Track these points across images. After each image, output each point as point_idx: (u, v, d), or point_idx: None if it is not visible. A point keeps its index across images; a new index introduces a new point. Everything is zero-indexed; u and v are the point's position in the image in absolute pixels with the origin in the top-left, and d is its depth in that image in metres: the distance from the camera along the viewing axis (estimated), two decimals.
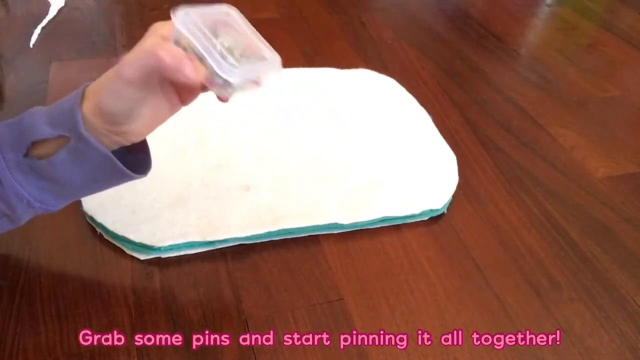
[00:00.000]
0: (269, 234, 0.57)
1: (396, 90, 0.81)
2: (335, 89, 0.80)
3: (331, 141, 0.69)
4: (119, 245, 0.55)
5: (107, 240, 0.55)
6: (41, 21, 0.91)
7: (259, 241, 0.57)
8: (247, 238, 0.56)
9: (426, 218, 0.61)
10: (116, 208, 0.56)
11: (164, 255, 0.54)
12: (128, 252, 0.54)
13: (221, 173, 0.63)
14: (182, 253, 0.55)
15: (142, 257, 0.54)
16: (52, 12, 0.94)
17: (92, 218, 0.56)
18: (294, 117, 0.73)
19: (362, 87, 0.81)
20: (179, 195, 0.59)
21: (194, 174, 0.62)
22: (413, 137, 0.72)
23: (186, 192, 0.60)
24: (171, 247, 0.54)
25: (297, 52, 0.90)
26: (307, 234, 0.58)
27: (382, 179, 0.64)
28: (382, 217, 0.59)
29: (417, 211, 0.60)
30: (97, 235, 0.56)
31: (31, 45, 0.85)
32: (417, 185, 0.64)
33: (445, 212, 0.62)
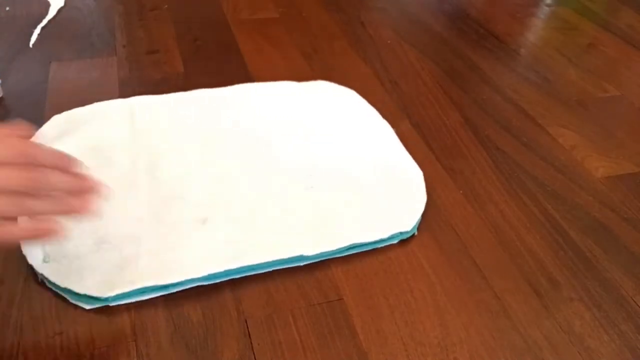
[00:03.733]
0: (228, 272, 0.52)
1: (357, 103, 0.77)
2: (295, 105, 0.75)
3: (292, 165, 0.65)
4: (63, 295, 0.49)
5: None
6: (41, 21, 0.92)
7: (218, 281, 0.52)
8: (204, 278, 0.51)
9: (396, 241, 0.58)
10: (58, 253, 0.51)
11: (112, 304, 0.49)
12: (72, 301, 0.49)
13: (174, 205, 0.57)
14: (133, 300, 0.49)
15: (88, 307, 0.49)
16: (52, 12, 0.94)
17: (33, 267, 0.50)
18: (252, 139, 0.68)
19: (323, 102, 0.76)
20: (127, 234, 0.53)
21: (143, 207, 0.56)
22: (377, 156, 0.68)
23: (136, 229, 0.54)
24: (120, 296, 0.49)
25: (297, 52, 0.90)
26: (271, 269, 0.54)
27: (349, 203, 0.60)
28: (350, 245, 0.56)
29: (385, 236, 0.57)
30: None
31: (31, 45, 0.85)
32: (384, 208, 0.60)
33: (416, 233, 0.59)
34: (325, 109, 0.75)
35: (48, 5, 0.96)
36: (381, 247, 0.58)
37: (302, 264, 0.55)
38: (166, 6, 1.00)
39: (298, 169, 0.65)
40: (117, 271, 0.50)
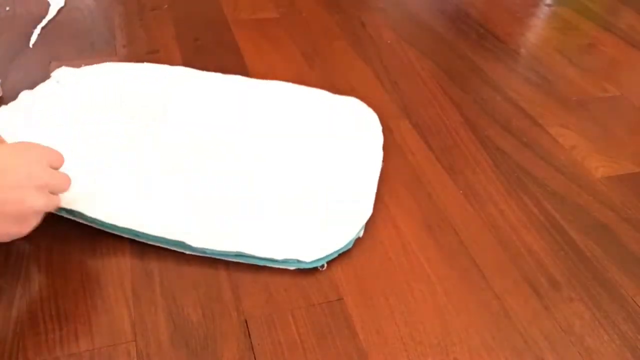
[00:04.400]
0: (115, 227, 0.54)
1: (370, 126, 0.73)
2: (306, 113, 0.74)
3: (242, 159, 0.65)
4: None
5: (108, 241, 0.55)
6: (41, 21, 0.92)
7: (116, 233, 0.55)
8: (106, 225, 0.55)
9: (292, 268, 0.54)
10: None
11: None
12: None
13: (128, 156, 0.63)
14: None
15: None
16: (52, 12, 0.94)
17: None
18: (233, 126, 0.69)
19: (336, 116, 0.74)
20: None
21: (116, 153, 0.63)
22: (340, 182, 0.63)
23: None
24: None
25: (296, 52, 0.90)
26: (153, 243, 0.54)
27: (269, 212, 0.58)
28: (237, 252, 0.54)
29: (278, 257, 0.53)
30: (97, 235, 0.56)
31: (31, 45, 0.85)
32: (300, 230, 0.56)
33: (322, 268, 0.54)
34: (328, 124, 0.72)
35: (48, 5, 0.96)
36: (381, 248, 0.58)
37: (187, 252, 0.54)
38: (166, 6, 1.00)
39: (247, 163, 0.64)
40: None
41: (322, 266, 0.55)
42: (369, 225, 0.60)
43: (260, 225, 0.57)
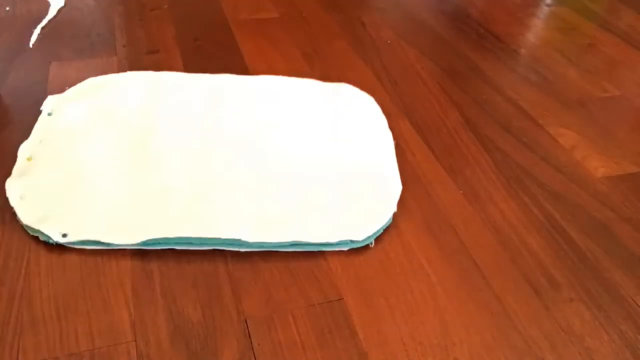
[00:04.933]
0: (167, 240, 0.55)
1: (369, 109, 0.77)
2: (304, 102, 0.77)
3: (271, 154, 0.67)
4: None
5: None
6: (41, 21, 0.92)
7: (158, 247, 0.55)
8: (145, 243, 0.54)
9: (346, 249, 0.57)
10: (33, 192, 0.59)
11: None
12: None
13: (149, 173, 0.63)
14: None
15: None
16: (52, 12, 0.94)
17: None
18: (247, 125, 0.71)
19: (334, 103, 0.77)
20: (103, 188, 0.61)
21: (124, 168, 0.63)
22: (362, 162, 0.67)
23: (112, 185, 0.61)
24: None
25: (297, 52, 0.90)
26: (208, 247, 0.55)
27: (312, 202, 0.61)
28: (292, 242, 0.56)
29: (333, 240, 0.56)
30: None
31: (31, 45, 0.85)
32: (346, 214, 0.59)
33: (371, 245, 0.58)
34: (332, 110, 0.76)
35: (48, 5, 0.96)
36: (382, 248, 0.58)
37: (242, 249, 0.56)
38: (166, 6, 1.00)
39: (276, 161, 0.66)
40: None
41: (371, 243, 0.58)
42: None
43: (307, 213, 0.60)
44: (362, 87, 0.80)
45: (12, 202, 0.58)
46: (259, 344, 0.48)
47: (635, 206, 0.66)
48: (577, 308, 0.54)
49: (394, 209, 0.61)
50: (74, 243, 0.54)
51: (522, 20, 1.10)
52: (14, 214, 0.57)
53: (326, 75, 0.84)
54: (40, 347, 0.46)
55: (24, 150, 0.65)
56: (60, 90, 0.76)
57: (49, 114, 0.70)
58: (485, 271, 0.57)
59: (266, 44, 0.92)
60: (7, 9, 0.94)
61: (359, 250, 0.57)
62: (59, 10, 0.95)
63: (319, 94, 0.79)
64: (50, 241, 0.54)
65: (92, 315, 0.49)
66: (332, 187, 0.63)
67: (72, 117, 0.70)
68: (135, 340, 0.47)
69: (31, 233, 0.55)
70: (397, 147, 0.72)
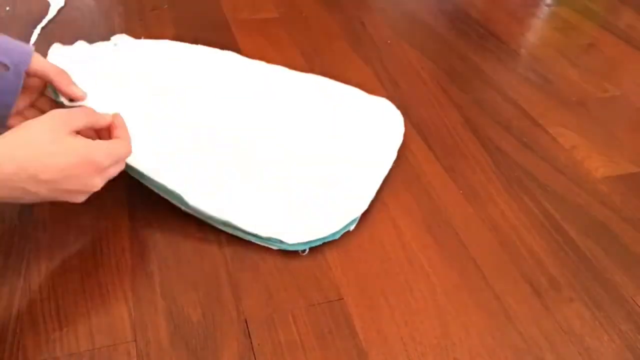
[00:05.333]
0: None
1: (392, 127, 0.73)
2: (333, 107, 0.75)
3: (276, 147, 0.66)
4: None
5: (107, 240, 0.56)
6: (41, 21, 0.91)
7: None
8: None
9: (274, 248, 0.56)
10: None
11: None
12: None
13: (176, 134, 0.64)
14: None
15: None
16: (52, 12, 0.94)
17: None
18: (266, 111, 0.71)
19: (362, 113, 0.75)
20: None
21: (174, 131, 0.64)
22: (345, 175, 0.64)
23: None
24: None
25: (296, 52, 0.90)
26: (154, 189, 0.57)
27: (273, 194, 0.60)
28: (225, 221, 0.56)
29: (263, 234, 0.55)
30: (97, 234, 0.56)
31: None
32: (291, 212, 0.58)
33: (303, 253, 0.56)
34: (352, 113, 0.74)
35: (48, 5, 0.96)
36: (381, 247, 0.58)
37: (182, 207, 0.57)
38: (166, 6, 1.00)
39: (275, 152, 0.65)
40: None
41: (304, 251, 0.56)
42: (369, 225, 0.60)
43: (251, 200, 0.58)
44: (362, 87, 0.80)
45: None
46: (259, 344, 0.48)
47: (635, 206, 0.66)
48: (577, 308, 0.54)
49: (347, 227, 0.58)
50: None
51: (522, 20, 1.10)
52: None
53: (326, 75, 0.84)
54: (40, 347, 0.46)
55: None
56: None
57: (115, 45, 0.74)
58: (485, 271, 0.57)
59: (266, 43, 0.92)
60: (7, 9, 0.94)
61: (358, 251, 0.57)
62: (59, 10, 0.95)
63: (351, 102, 0.76)
64: None
65: (92, 315, 0.49)
66: (295, 185, 0.61)
67: (134, 55, 0.74)
68: (135, 340, 0.47)
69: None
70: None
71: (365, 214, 0.61)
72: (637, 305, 0.55)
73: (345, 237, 0.58)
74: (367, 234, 0.59)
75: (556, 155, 0.74)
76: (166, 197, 0.57)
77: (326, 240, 0.57)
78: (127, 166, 0.55)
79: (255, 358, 0.47)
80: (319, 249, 0.57)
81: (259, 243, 0.56)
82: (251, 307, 0.51)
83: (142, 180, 0.57)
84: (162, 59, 0.76)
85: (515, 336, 0.51)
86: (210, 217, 0.57)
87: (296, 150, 0.66)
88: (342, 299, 0.52)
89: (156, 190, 0.57)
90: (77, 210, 0.57)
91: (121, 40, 0.76)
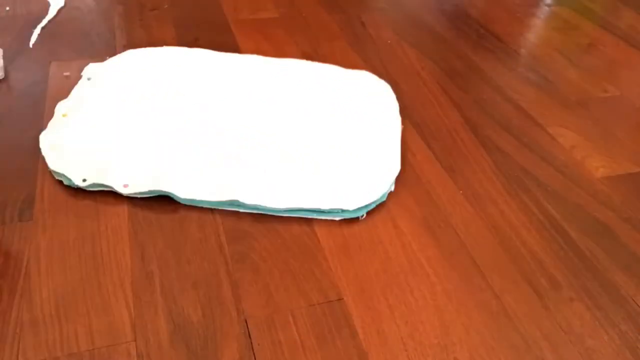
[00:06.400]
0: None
1: (384, 95, 0.80)
2: (323, 84, 0.81)
3: (282, 125, 0.72)
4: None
5: (107, 240, 0.55)
6: (41, 21, 0.92)
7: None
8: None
9: (337, 218, 0.60)
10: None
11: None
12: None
13: (180, 129, 0.69)
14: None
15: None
16: (52, 12, 0.94)
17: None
18: (273, 98, 0.77)
19: (352, 86, 0.81)
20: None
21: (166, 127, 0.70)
22: (366, 141, 0.70)
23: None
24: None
25: (296, 52, 0.90)
26: (207, 206, 0.60)
27: (310, 171, 0.65)
28: (286, 208, 0.60)
29: (325, 207, 0.60)
30: (97, 234, 0.56)
31: (31, 45, 0.85)
32: (339, 182, 0.63)
33: (361, 217, 0.61)
34: (348, 93, 0.80)
35: (48, 5, 0.96)
36: (382, 247, 0.58)
37: (240, 209, 0.60)
38: (166, 6, 1.00)
39: (285, 132, 0.71)
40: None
41: (362, 216, 0.61)
42: (369, 224, 0.60)
43: (303, 180, 0.63)
44: None
45: (43, 151, 0.64)
46: (259, 344, 0.48)
47: (635, 206, 0.66)
48: (577, 308, 0.54)
49: (390, 186, 0.64)
50: (92, 186, 0.60)
51: (522, 20, 1.10)
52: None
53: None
54: (40, 347, 0.46)
55: (61, 108, 0.71)
56: (61, 89, 0.76)
57: (89, 79, 0.77)
58: (485, 271, 0.57)
59: (266, 43, 0.92)
60: (7, 9, 0.94)
61: (358, 251, 0.57)
62: (59, 10, 0.95)
63: (337, 77, 0.83)
64: (72, 184, 0.60)
65: (92, 315, 0.49)
66: (333, 159, 0.67)
67: (109, 82, 0.77)
68: (135, 340, 0.47)
69: (56, 177, 0.62)
70: None
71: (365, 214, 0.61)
72: (637, 305, 0.55)
73: (345, 237, 0.58)
74: (367, 234, 0.59)
75: (556, 155, 0.74)
76: (219, 208, 0.60)
77: (378, 203, 0.62)
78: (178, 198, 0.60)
79: (255, 358, 0.47)
80: (319, 248, 0.57)
81: (322, 217, 0.60)
82: (251, 307, 0.51)
83: (192, 204, 0.61)
84: (146, 68, 0.81)
85: (515, 336, 0.51)
86: (273, 210, 0.60)
87: (312, 132, 0.71)
88: (342, 299, 0.52)
89: (206, 207, 0.61)
90: (77, 211, 0.57)
91: (92, 71, 0.79)
